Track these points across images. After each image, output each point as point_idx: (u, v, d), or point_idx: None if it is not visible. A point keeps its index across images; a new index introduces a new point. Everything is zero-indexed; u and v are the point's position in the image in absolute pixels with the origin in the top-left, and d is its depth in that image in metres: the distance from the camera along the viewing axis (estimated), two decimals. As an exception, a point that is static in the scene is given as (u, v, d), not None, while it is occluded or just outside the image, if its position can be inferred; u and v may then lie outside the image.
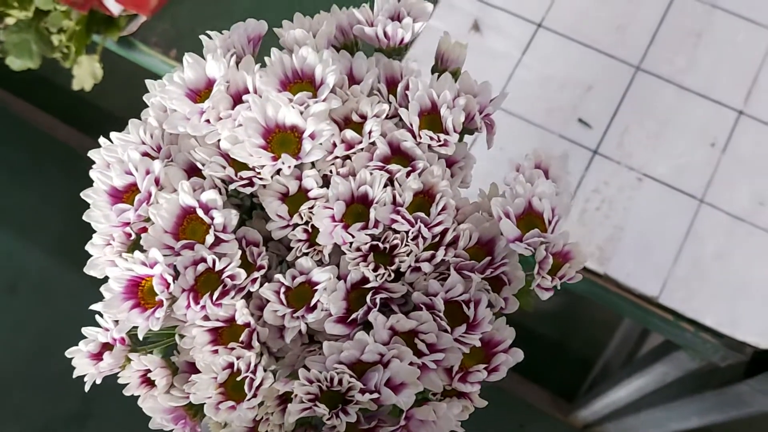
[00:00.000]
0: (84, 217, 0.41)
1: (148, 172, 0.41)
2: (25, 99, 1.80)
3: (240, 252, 0.40)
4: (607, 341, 1.51)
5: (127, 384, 0.41)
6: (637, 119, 0.83)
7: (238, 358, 0.39)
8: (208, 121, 0.42)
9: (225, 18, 0.91)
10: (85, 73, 0.94)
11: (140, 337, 0.39)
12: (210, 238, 0.39)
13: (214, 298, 0.39)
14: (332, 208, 0.40)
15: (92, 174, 0.42)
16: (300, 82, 0.42)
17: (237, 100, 0.42)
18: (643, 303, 0.76)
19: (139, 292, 0.40)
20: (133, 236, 0.41)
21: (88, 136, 1.68)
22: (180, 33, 0.90)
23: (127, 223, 0.41)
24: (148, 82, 0.44)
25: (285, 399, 0.40)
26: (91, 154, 0.44)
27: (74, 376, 0.41)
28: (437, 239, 0.41)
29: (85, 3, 0.85)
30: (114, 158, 0.42)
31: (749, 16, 0.89)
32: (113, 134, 0.43)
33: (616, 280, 0.76)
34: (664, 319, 0.76)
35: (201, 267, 0.39)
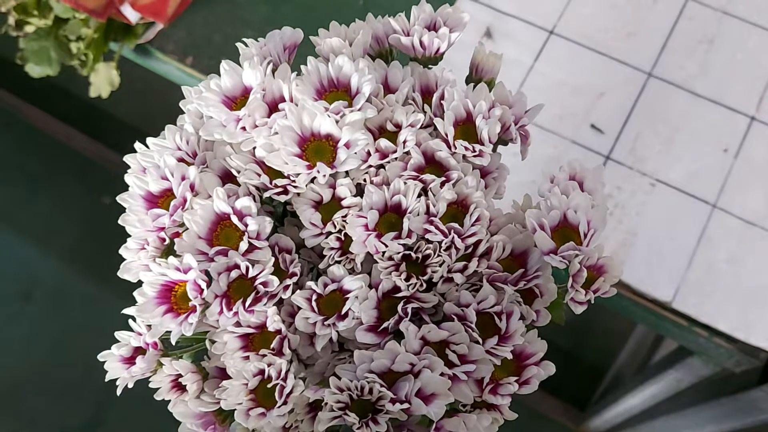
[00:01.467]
0: (119, 221, 0.41)
1: (183, 178, 0.41)
2: (41, 108, 1.82)
3: (273, 259, 0.40)
4: (620, 349, 1.50)
5: (158, 389, 0.41)
6: (649, 125, 0.82)
7: (269, 365, 0.39)
8: (244, 128, 0.42)
9: (240, 26, 0.92)
10: (103, 81, 0.95)
11: (173, 342, 0.39)
12: (244, 245, 0.39)
13: (247, 304, 0.39)
14: (365, 217, 0.40)
15: (127, 178, 0.43)
16: (335, 91, 0.42)
17: (273, 108, 0.42)
18: (656, 308, 0.75)
19: (172, 297, 0.40)
20: (167, 241, 0.42)
21: (104, 145, 1.71)
22: (196, 41, 0.91)
23: (162, 228, 0.41)
24: (184, 88, 0.45)
25: (315, 407, 0.40)
26: (127, 158, 0.44)
27: (106, 380, 0.41)
28: (470, 250, 0.41)
29: (104, 11, 0.86)
30: (150, 163, 0.43)
31: (760, 22, 0.88)
32: (149, 139, 0.43)
33: (629, 285, 0.75)
34: (678, 324, 0.75)
35: (234, 273, 0.39)
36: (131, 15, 0.88)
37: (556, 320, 0.43)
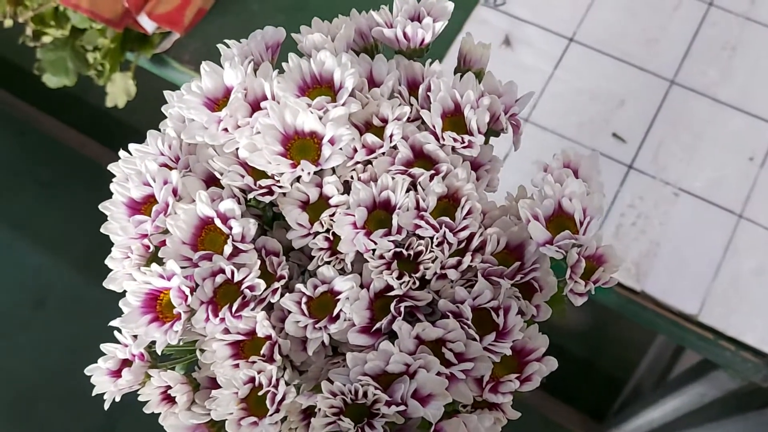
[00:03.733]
0: (102, 230, 0.40)
1: (165, 183, 0.40)
2: (54, 116, 1.82)
3: (259, 262, 0.38)
4: (639, 359, 1.47)
5: (148, 401, 0.40)
6: (672, 133, 0.80)
7: (259, 372, 0.38)
8: (226, 129, 0.41)
9: (256, 35, 0.91)
10: (119, 90, 0.95)
11: (159, 352, 0.38)
12: (228, 249, 0.38)
13: (234, 310, 0.37)
14: (353, 215, 0.39)
15: (112, 187, 0.42)
16: (319, 87, 0.41)
17: (255, 107, 0.41)
18: (681, 321, 0.72)
19: (158, 306, 0.39)
20: (152, 249, 0.41)
21: (117, 154, 1.67)
22: (211, 50, 0.90)
23: (145, 235, 0.40)
24: (166, 93, 0.44)
25: (309, 414, 0.39)
26: (111, 167, 0.43)
27: (93, 394, 0.40)
28: (463, 245, 0.39)
29: (121, 21, 0.86)
30: (132, 170, 0.42)
31: (784, 27, 0.86)
32: (132, 146, 0.42)
33: (654, 298, 0.73)
34: (703, 338, 0.72)
35: (219, 278, 0.38)
36: (148, 25, 0.88)
37: (557, 315, 0.41)
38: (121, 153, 0.43)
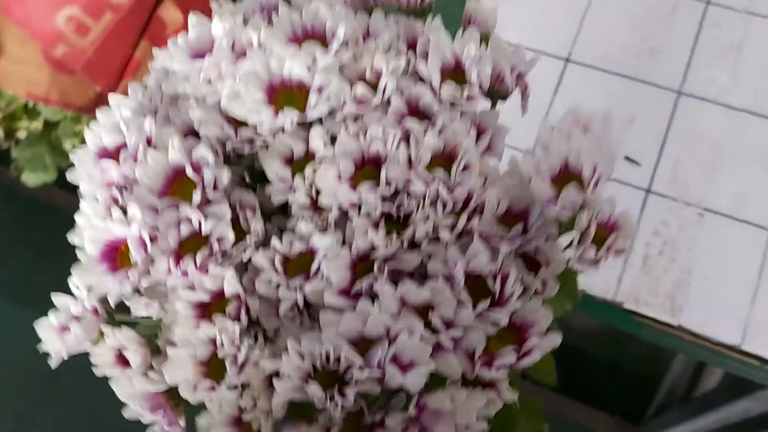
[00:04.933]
0: (67, 176, 0.37)
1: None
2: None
3: (230, 212, 0.35)
4: (671, 359, 1.38)
5: (98, 364, 0.35)
6: (687, 149, 0.74)
7: (220, 331, 0.33)
8: (209, 81, 0.38)
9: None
10: None
11: (112, 304, 0.34)
12: (197, 197, 0.35)
13: (198, 261, 0.34)
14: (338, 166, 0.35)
15: (86, 135, 0.39)
16: (310, 41, 0.38)
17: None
18: (723, 351, 0.66)
19: (118, 257, 0.35)
20: (121, 202, 0.37)
21: None
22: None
23: (112, 184, 0.37)
24: (154, 49, 0.41)
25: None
26: (86, 132, 0.40)
27: (40, 352, 0.36)
28: (460, 206, 0.35)
29: (94, 106, 0.83)
30: (110, 122, 0.39)
31: (790, 19, 0.80)
32: (111, 96, 0.40)
33: (692, 331, 0.67)
34: (748, 365, 0.66)
35: (185, 229, 0.34)
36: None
37: (568, 294, 0.37)
38: (98, 112, 0.40)
